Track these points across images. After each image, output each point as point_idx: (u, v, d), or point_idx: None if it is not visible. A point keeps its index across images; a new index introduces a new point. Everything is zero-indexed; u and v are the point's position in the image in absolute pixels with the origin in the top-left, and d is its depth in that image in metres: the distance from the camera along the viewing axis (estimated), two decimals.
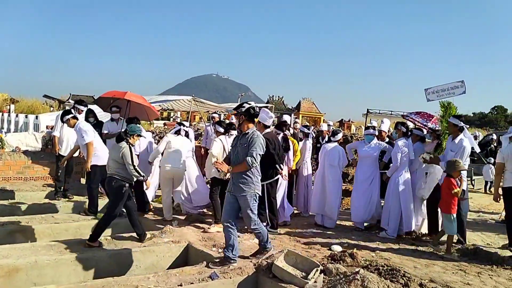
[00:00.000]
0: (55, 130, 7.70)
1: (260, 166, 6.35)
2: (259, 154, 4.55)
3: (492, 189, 10.35)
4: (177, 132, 7.00)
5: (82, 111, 7.55)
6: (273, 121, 8.46)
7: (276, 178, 6.23)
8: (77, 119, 6.59)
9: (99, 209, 6.63)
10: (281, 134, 6.85)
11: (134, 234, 5.50)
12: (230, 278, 4.30)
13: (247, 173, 4.60)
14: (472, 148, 6.01)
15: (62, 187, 7.72)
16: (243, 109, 4.68)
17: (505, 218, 6.17)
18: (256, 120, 4.95)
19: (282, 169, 6.29)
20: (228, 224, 4.64)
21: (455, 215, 5.51)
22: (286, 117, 8.54)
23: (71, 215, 6.49)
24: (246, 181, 4.60)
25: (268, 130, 6.31)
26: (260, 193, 4.76)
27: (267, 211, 6.16)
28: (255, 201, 4.68)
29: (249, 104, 4.73)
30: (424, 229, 6.45)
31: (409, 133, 6.69)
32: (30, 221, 5.96)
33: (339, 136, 7.20)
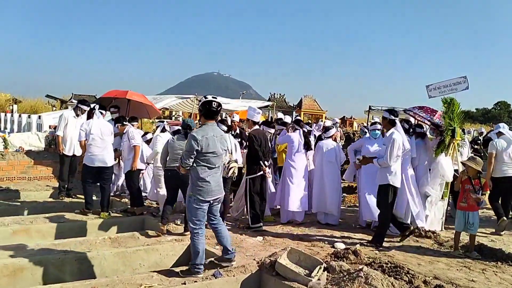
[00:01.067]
0: (59, 129, 7.66)
1: (246, 161, 6.34)
2: (188, 152, 4.14)
3: None
4: (163, 130, 7.17)
5: (85, 111, 7.56)
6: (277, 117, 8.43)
7: (258, 174, 6.20)
8: (92, 116, 6.75)
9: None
10: (300, 131, 6.89)
11: (137, 233, 5.55)
12: (234, 276, 4.31)
13: (190, 174, 4.29)
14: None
15: (65, 186, 7.74)
16: (200, 104, 4.34)
17: (489, 200, 6.56)
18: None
19: (266, 166, 6.26)
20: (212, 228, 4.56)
21: (460, 212, 5.49)
22: (280, 115, 8.58)
23: (75, 214, 6.50)
24: (191, 181, 4.31)
25: (256, 126, 6.37)
26: (203, 198, 4.23)
27: (248, 207, 6.20)
28: (196, 206, 4.23)
29: (206, 98, 4.32)
30: (428, 226, 6.44)
31: (411, 130, 6.66)
32: (34, 221, 5.98)
33: (332, 131, 7.19)
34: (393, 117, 5.66)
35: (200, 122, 4.48)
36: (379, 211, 6.13)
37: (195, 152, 4.14)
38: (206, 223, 4.44)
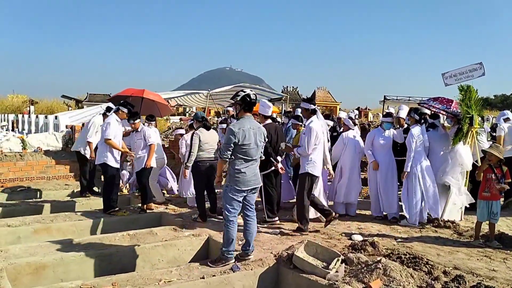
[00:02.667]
0: (90, 136, 7.63)
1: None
2: (226, 144, 4.32)
3: None
4: (149, 120, 7.62)
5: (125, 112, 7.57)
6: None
7: (269, 170, 6.11)
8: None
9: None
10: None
11: (155, 229, 5.61)
12: (251, 269, 4.33)
13: (228, 165, 4.50)
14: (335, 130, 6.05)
15: (87, 185, 7.85)
16: (239, 98, 4.51)
17: None
18: (255, 108, 4.81)
19: (278, 162, 6.14)
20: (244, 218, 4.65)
21: (483, 202, 5.40)
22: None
23: (94, 212, 6.60)
24: (228, 172, 4.52)
25: (269, 120, 6.33)
26: (239, 188, 4.38)
27: (263, 203, 6.19)
28: (232, 195, 4.38)
29: (244, 92, 4.53)
30: (447, 216, 6.36)
31: (422, 120, 6.55)
32: (55, 219, 6.08)
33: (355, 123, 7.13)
34: (313, 107, 5.73)
35: (238, 116, 4.63)
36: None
37: (232, 145, 4.30)
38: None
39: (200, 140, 6.15)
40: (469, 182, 6.66)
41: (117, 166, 6.56)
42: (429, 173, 6.27)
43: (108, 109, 7.93)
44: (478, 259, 4.78)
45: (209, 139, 6.27)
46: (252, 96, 4.48)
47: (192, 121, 7.33)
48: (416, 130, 6.30)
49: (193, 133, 6.30)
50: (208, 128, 6.36)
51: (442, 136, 6.66)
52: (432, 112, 6.94)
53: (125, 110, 6.58)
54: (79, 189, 8.18)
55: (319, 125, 5.66)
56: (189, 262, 4.89)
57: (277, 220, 6.23)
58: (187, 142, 7.04)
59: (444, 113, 6.80)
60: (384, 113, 7.85)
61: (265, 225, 6.06)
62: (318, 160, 5.69)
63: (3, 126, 17.44)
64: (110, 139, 6.26)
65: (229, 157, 4.36)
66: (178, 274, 4.17)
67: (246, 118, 4.49)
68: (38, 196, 7.92)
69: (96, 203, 7.40)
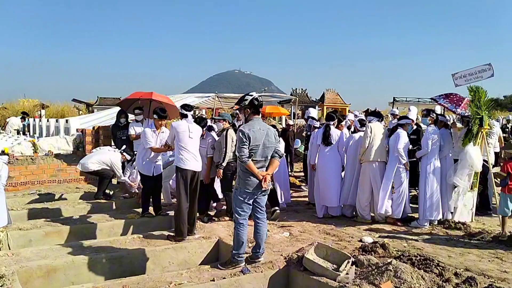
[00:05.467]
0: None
1: None
2: (240, 147, 4.33)
3: None
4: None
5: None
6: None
7: None
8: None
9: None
10: (322, 126, 7.05)
11: (165, 232, 5.62)
12: (262, 272, 4.33)
13: (238, 167, 4.52)
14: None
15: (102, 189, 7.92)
16: (247, 102, 4.57)
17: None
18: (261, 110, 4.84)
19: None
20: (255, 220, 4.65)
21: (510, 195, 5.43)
22: (314, 112, 8.79)
23: (105, 215, 6.64)
24: (238, 174, 4.53)
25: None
26: (249, 190, 4.37)
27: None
28: (242, 198, 4.40)
29: (251, 95, 4.61)
30: (458, 217, 6.31)
31: (439, 120, 6.56)
32: (66, 222, 6.12)
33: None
34: (184, 112, 5.75)
35: (247, 119, 4.63)
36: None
37: (246, 143, 4.33)
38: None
39: (232, 140, 6.27)
40: (479, 183, 6.60)
41: (149, 174, 6.44)
42: (437, 174, 6.24)
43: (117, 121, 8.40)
44: (489, 261, 4.73)
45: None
46: (259, 98, 4.59)
47: (213, 123, 7.30)
48: (431, 129, 6.31)
49: (226, 132, 6.33)
50: (235, 130, 6.43)
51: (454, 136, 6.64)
52: (443, 110, 6.94)
53: (156, 117, 6.60)
54: (86, 192, 8.28)
55: (180, 124, 5.63)
56: (200, 265, 4.91)
57: (277, 210, 6.44)
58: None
59: (452, 112, 6.78)
60: (400, 116, 7.81)
61: (275, 227, 6.05)
62: (187, 156, 5.56)
63: (16, 129, 17.64)
64: (152, 146, 6.28)
65: (248, 155, 4.32)
66: (188, 276, 4.19)
67: (255, 120, 4.54)
68: (49, 199, 7.98)
69: (106, 206, 7.46)
